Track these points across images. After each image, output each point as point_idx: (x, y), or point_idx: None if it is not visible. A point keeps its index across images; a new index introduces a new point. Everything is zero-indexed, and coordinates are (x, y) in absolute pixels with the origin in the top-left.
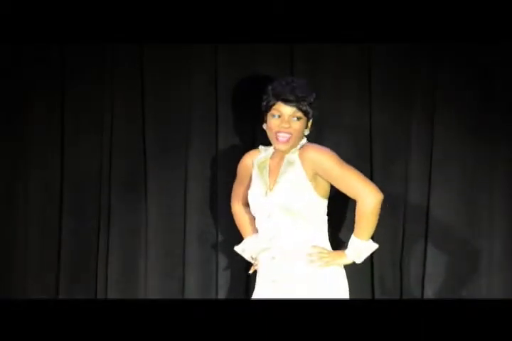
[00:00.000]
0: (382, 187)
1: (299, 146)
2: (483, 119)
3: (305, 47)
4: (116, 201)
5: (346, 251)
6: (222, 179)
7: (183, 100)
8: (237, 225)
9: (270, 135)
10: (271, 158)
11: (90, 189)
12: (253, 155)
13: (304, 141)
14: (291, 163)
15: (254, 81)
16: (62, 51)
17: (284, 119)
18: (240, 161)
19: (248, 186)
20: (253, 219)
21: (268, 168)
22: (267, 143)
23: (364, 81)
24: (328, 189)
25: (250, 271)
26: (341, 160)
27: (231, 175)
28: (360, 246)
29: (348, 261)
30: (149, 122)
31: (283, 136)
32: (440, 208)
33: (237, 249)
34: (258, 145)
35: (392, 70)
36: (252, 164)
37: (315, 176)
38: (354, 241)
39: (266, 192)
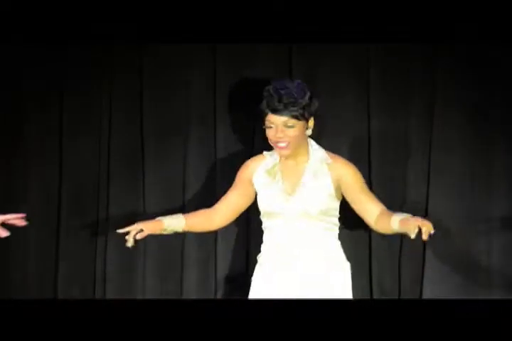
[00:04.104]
0: (380, 189)
1: (328, 160)
2: (483, 120)
3: (304, 47)
4: (115, 201)
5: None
6: (222, 178)
7: (182, 100)
8: (191, 213)
9: (271, 143)
10: (280, 162)
11: (89, 188)
12: (258, 161)
13: (314, 143)
14: (319, 172)
15: (252, 80)
16: (61, 51)
17: (278, 129)
18: (243, 166)
19: (245, 193)
20: (204, 221)
21: (280, 173)
22: (266, 142)
23: (363, 81)
24: (341, 195)
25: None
26: (363, 180)
27: (230, 174)
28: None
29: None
30: (148, 122)
31: (281, 144)
32: (439, 210)
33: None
34: (257, 144)
35: (391, 71)
36: (256, 170)
37: (338, 185)
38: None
39: (285, 197)
